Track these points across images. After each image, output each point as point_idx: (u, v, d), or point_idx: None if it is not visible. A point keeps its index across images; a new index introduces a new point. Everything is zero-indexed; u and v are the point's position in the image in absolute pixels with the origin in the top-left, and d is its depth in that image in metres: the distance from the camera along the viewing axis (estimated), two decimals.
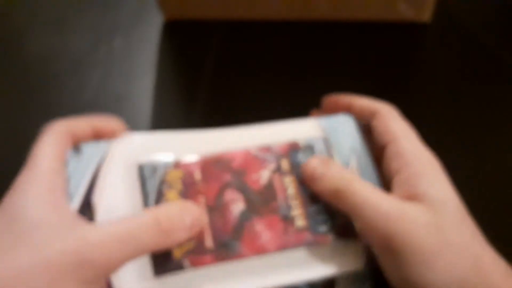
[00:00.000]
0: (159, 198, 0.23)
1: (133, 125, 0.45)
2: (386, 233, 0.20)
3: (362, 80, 0.47)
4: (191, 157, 0.25)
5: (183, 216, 0.21)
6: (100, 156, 0.24)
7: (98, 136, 0.25)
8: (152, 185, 0.23)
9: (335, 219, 0.24)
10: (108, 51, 0.51)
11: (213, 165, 0.24)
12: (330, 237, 0.23)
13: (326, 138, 0.26)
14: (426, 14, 0.50)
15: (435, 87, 0.45)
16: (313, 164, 0.24)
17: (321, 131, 0.26)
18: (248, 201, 0.24)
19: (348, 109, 0.28)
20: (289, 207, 0.24)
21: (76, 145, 0.25)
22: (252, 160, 0.25)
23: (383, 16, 0.50)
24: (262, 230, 0.23)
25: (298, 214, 0.24)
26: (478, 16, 0.52)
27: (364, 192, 0.22)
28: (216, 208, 0.23)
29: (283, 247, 0.23)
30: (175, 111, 0.46)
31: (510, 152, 0.39)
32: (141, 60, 0.50)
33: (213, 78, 0.48)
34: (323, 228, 0.23)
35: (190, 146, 0.25)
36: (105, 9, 0.55)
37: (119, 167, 0.24)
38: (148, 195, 0.23)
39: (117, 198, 0.23)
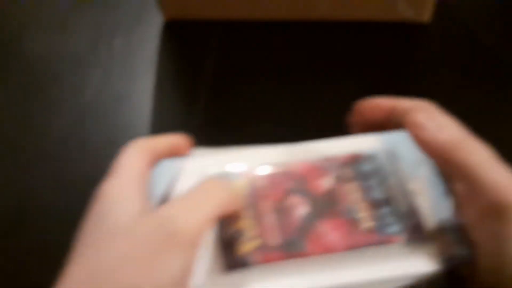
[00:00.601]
0: None
1: (133, 125, 0.46)
2: (501, 200, 0.20)
3: (361, 80, 0.47)
4: (256, 167, 0.26)
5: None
6: (174, 172, 0.25)
7: (173, 153, 0.26)
8: None
9: (405, 221, 0.24)
10: (108, 51, 0.51)
11: (276, 174, 0.25)
12: (400, 238, 0.23)
13: (388, 150, 0.26)
14: (426, 14, 0.50)
15: (435, 87, 0.45)
16: (422, 116, 0.24)
17: (382, 144, 0.27)
18: (312, 204, 0.24)
19: (390, 112, 0.27)
20: (354, 211, 0.24)
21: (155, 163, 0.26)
22: (314, 169, 0.26)
23: (383, 16, 0.50)
24: (328, 230, 0.23)
25: (365, 216, 0.24)
26: (478, 16, 0.52)
27: (484, 152, 0.22)
28: (281, 210, 0.24)
29: (350, 247, 0.23)
30: (175, 110, 0.46)
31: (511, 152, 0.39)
32: (141, 60, 0.50)
33: (213, 78, 0.48)
34: (392, 229, 0.23)
35: (254, 158, 0.26)
36: (105, 9, 0.55)
37: (190, 180, 0.25)
38: None
39: None
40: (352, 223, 0.24)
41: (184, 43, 0.52)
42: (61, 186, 0.42)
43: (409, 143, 0.25)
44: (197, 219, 0.20)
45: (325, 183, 0.25)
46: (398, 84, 0.47)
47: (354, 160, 0.26)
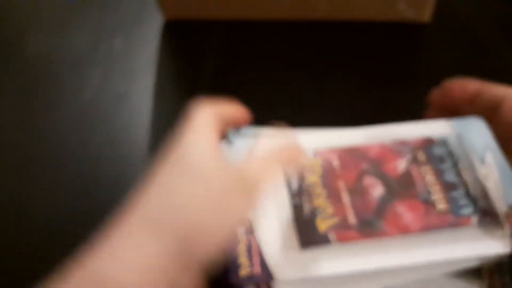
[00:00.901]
0: (301, 180, 0.26)
1: (133, 124, 0.46)
2: None
3: (362, 79, 0.47)
4: (329, 148, 0.27)
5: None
6: (248, 145, 0.27)
7: (235, 124, 0.28)
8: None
9: (478, 203, 0.24)
10: (108, 51, 0.51)
11: (349, 155, 0.26)
12: (473, 220, 0.24)
13: (459, 135, 0.27)
14: (426, 14, 0.50)
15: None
16: (463, 82, 0.26)
17: (453, 130, 0.27)
18: (387, 186, 0.25)
19: (475, 96, 0.27)
20: (429, 192, 0.25)
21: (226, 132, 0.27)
22: (388, 152, 0.26)
23: (383, 16, 0.50)
24: (404, 211, 0.24)
25: (439, 198, 0.24)
26: (478, 16, 0.52)
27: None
28: (356, 191, 0.25)
29: (426, 228, 0.23)
30: (175, 110, 0.46)
31: None
32: (141, 60, 0.50)
33: (213, 77, 0.48)
34: (465, 211, 0.24)
35: (326, 139, 0.27)
36: (105, 9, 0.55)
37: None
38: (291, 178, 0.26)
39: None
40: (428, 204, 0.24)
41: (184, 43, 0.52)
42: (61, 185, 0.42)
43: (480, 129, 0.26)
44: (260, 168, 0.23)
45: (400, 165, 0.26)
46: (398, 83, 0.47)
47: (427, 144, 0.26)
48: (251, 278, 0.22)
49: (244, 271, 0.22)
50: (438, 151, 0.26)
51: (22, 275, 0.38)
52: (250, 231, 0.24)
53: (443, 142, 0.26)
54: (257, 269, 0.22)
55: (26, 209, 0.41)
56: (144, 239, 0.19)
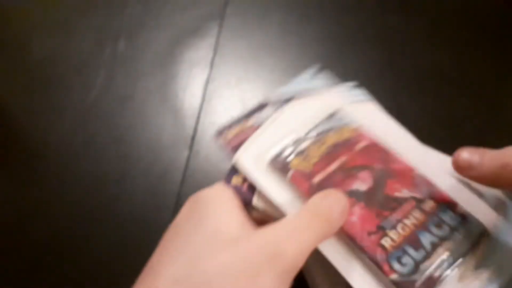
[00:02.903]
0: (321, 135, 0.27)
1: (137, 125, 0.46)
2: None
3: None
4: (373, 133, 0.27)
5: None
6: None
7: None
8: (327, 125, 0.27)
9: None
10: (112, 53, 0.52)
11: (377, 151, 0.26)
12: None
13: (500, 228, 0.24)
14: None
15: None
16: (466, 154, 0.23)
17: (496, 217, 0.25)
18: (372, 191, 0.25)
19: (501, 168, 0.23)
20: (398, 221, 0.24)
21: None
22: (408, 177, 0.25)
23: None
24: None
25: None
26: None
27: None
28: (345, 170, 0.25)
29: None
30: (179, 110, 0.47)
31: None
32: (145, 62, 0.51)
33: (214, 77, 0.49)
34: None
35: (383, 127, 0.27)
36: (110, 12, 0.56)
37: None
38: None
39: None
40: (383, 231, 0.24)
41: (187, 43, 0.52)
42: (66, 184, 0.43)
43: None
44: (300, 247, 0.20)
45: (403, 193, 0.25)
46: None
47: (446, 207, 0.24)
48: None
49: None
50: (448, 221, 0.24)
51: (28, 273, 0.38)
52: None
53: (467, 223, 0.24)
54: None
55: (31, 208, 0.42)
56: None
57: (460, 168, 0.23)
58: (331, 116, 0.28)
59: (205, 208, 0.22)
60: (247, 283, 0.18)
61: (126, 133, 0.46)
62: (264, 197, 0.25)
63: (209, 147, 0.44)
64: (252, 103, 0.47)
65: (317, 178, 0.25)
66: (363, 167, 0.25)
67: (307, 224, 0.21)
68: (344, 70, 0.47)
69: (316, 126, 0.27)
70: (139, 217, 0.40)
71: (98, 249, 0.39)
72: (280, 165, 0.25)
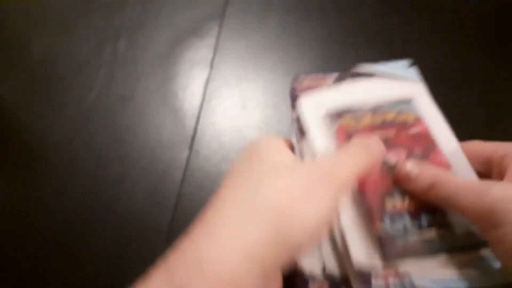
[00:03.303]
0: (383, 111, 0.28)
1: (137, 125, 0.46)
2: (485, 209, 0.22)
3: None
4: (428, 122, 0.28)
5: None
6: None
7: None
8: (395, 107, 0.28)
9: None
10: (112, 53, 0.52)
11: (425, 138, 0.27)
12: None
13: None
14: None
15: None
16: (409, 166, 0.25)
17: None
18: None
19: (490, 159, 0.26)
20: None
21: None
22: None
23: None
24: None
25: None
26: None
27: (457, 180, 0.23)
28: (384, 143, 0.26)
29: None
30: (180, 110, 0.47)
31: None
32: (145, 62, 0.51)
33: (214, 77, 0.49)
34: None
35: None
36: (110, 13, 0.56)
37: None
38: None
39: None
40: None
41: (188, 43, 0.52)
42: (66, 184, 0.43)
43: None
44: (350, 171, 0.23)
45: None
46: None
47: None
48: None
49: None
50: (456, 218, 0.25)
51: (28, 273, 0.39)
52: None
53: None
54: None
55: (31, 208, 0.42)
56: (242, 227, 0.20)
57: (400, 178, 0.25)
58: (403, 101, 0.29)
59: (263, 149, 0.24)
60: (306, 197, 0.21)
61: (126, 133, 0.46)
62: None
63: (209, 147, 0.44)
64: (252, 103, 0.47)
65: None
66: (404, 146, 0.26)
67: (354, 154, 0.24)
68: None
69: (384, 105, 0.28)
70: (139, 216, 0.40)
71: (99, 248, 0.39)
72: (332, 118, 0.27)
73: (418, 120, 0.28)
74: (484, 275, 0.23)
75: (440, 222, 0.24)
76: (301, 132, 0.28)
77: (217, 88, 0.48)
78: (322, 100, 0.28)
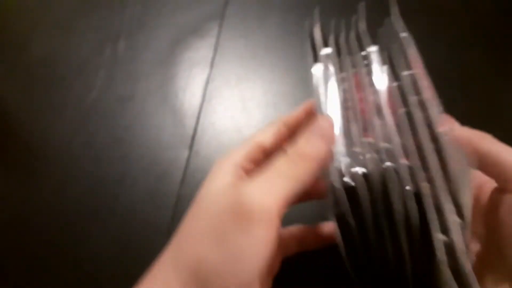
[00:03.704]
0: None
1: (137, 125, 0.47)
2: None
3: None
4: None
5: (309, 137, 0.22)
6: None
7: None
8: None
9: None
10: (112, 53, 0.52)
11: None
12: None
13: None
14: None
15: None
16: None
17: None
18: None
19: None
20: None
21: None
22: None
23: None
24: None
25: None
26: None
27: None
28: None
29: None
30: (179, 110, 0.47)
31: None
32: (145, 62, 0.51)
33: (214, 77, 0.49)
34: None
35: None
36: (110, 12, 0.56)
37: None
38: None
39: None
40: None
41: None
42: (65, 185, 0.43)
43: None
44: (269, 198, 0.20)
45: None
46: None
47: None
48: None
49: None
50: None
51: (27, 273, 0.39)
52: None
53: None
54: None
55: (30, 208, 0.42)
56: (168, 275, 0.20)
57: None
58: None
59: (207, 181, 0.23)
60: (220, 240, 0.19)
61: (126, 133, 0.46)
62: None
63: (209, 147, 0.44)
64: (252, 103, 0.47)
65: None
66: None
67: (285, 174, 0.21)
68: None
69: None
70: (139, 217, 0.40)
71: (99, 248, 0.39)
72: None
73: None
74: None
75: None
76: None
77: (217, 88, 0.48)
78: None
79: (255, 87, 0.48)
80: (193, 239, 0.20)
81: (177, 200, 0.41)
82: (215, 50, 0.51)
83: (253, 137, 0.25)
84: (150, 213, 0.40)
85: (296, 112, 0.29)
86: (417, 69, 0.26)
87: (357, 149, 0.23)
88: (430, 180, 0.22)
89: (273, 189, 0.20)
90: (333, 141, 0.22)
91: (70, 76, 0.51)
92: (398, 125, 0.24)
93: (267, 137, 0.25)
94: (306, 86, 0.48)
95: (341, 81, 0.28)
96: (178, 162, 0.43)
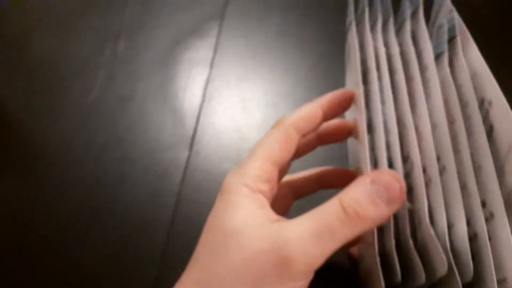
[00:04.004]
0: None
1: (137, 125, 0.47)
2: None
3: None
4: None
5: (374, 198, 0.19)
6: None
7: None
8: None
9: None
10: (112, 53, 0.52)
11: None
12: None
13: None
14: None
15: None
16: None
17: None
18: None
19: None
20: None
21: None
22: None
23: None
24: None
25: None
26: None
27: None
28: None
29: None
30: (179, 110, 0.47)
31: None
32: (145, 62, 0.51)
33: (214, 77, 0.49)
34: None
35: None
36: (109, 13, 0.56)
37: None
38: None
39: None
40: None
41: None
42: (65, 185, 0.43)
43: None
44: (314, 253, 0.18)
45: None
46: None
47: None
48: None
49: None
50: None
51: (27, 273, 0.39)
52: None
53: None
54: None
55: (30, 208, 0.42)
56: None
57: None
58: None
59: (228, 198, 0.21)
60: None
61: (126, 133, 0.46)
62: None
63: (209, 147, 0.44)
64: (252, 103, 0.47)
65: None
66: None
67: (331, 228, 0.18)
68: (345, 70, 0.47)
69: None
70: (139, 216, 0.40)
71: (99, 248, 0.39)
72: None
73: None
74: None
75: None
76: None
77: (217, 88, 0.48)
78: None
79: (255, 87, 0.48)
80: (223, 282, 0.18)
81: (177, 200, 0.41)
82: (215, 50, 0.51)
83: (262, 149, 0.22)
84: (150, 212, 0.41)
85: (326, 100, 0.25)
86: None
87: None
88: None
89: (321, 245, 0.18)
90: (399, 205, 0.19)
91: (70, 76, 0.51)
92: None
93: (276, 152, 0.23)
94: (306, 86, 0.48)
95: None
96: (178, 162, 0.43)
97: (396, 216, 0.22)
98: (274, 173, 0.22)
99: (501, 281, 0.18)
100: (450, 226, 0.20)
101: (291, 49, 0.51)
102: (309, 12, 0.54)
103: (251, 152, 0.23)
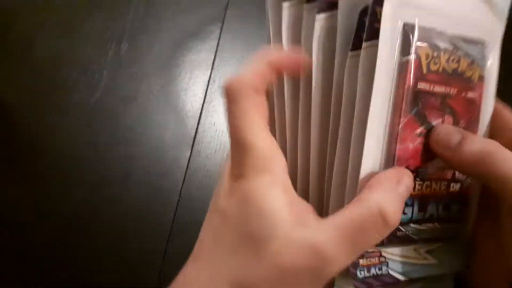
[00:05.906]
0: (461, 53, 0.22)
1: (140, 125, 0.47)
2: None
3: None
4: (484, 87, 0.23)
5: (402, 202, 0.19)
6: None
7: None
8: (472, 50, 0.23)
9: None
10: (115, 55, 0.52)
11: (475, 109, 0.22)
12: None
13: None
14: None
15: None
16: (447, 129, 0.20)
17: None
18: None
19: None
20: None
21: None
22: None
23: None
24: None
25: None
26: None
27: None
28: (440, 103, 0.21)
29: None
30: (181, 111, 0.48)
31: None
32: (147, 64, 0.52)
33: (215, 79, 0.50)
34: None
35: None
36: (113, 15, 0.56)
37: None
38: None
39: None
40: None
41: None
42: (70, 184, 0.43)
43: None
44: (346, 261, 0.17)
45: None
46: None
47: None
48: None
49: None
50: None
51: (29, 272, 0.39)
52: None
53: None
54: None
55: (35, 207, 0.42)
56: None
57: (437, 145, 0.20)
58: (480, 42, 0.23)
59: (251, 203, 0.18)
60: None
61: (129, 133, 0.46)
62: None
63: (210, 147, 0.45)
64: None
65: (422, 85, 0.20)
66: (455, 114, 0.22)
67: (353, 229, 0.18)
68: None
69: (462, 41, 0.22)
70: (142, 215, 0.41)
71: (100, 247, 0.39)
72: (406, 37, 0.20)
73: (480, 81, 0.23)
74: (444, 264, 0.22)
75: (438, 217, 0.22)
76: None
77: (218, 89, 0.49)
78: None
79: None
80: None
81: (179, 199, 0.42)
82: (216, 52, 0.52)
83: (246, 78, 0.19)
84: (152, 211, 0.41)
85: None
86: None
87: None
88: None
89: (355, 251, 0.18)
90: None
91: (74, 77, 0.51)
92: None
93: (255, 80, 0.19)
94: None
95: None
96: (180, 161, 0.44)
97: None
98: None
99: None
100: None
101: None
102: None
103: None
